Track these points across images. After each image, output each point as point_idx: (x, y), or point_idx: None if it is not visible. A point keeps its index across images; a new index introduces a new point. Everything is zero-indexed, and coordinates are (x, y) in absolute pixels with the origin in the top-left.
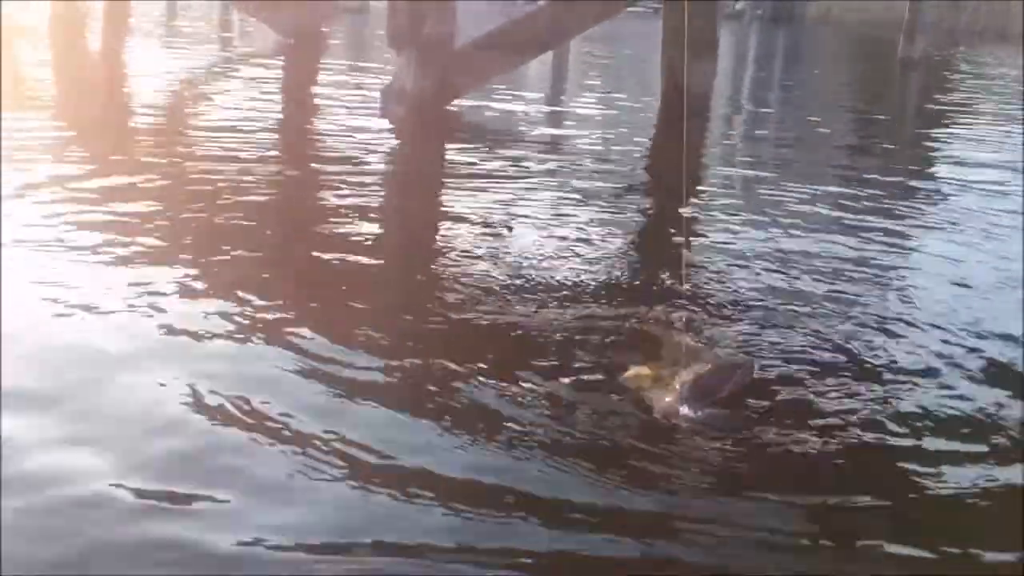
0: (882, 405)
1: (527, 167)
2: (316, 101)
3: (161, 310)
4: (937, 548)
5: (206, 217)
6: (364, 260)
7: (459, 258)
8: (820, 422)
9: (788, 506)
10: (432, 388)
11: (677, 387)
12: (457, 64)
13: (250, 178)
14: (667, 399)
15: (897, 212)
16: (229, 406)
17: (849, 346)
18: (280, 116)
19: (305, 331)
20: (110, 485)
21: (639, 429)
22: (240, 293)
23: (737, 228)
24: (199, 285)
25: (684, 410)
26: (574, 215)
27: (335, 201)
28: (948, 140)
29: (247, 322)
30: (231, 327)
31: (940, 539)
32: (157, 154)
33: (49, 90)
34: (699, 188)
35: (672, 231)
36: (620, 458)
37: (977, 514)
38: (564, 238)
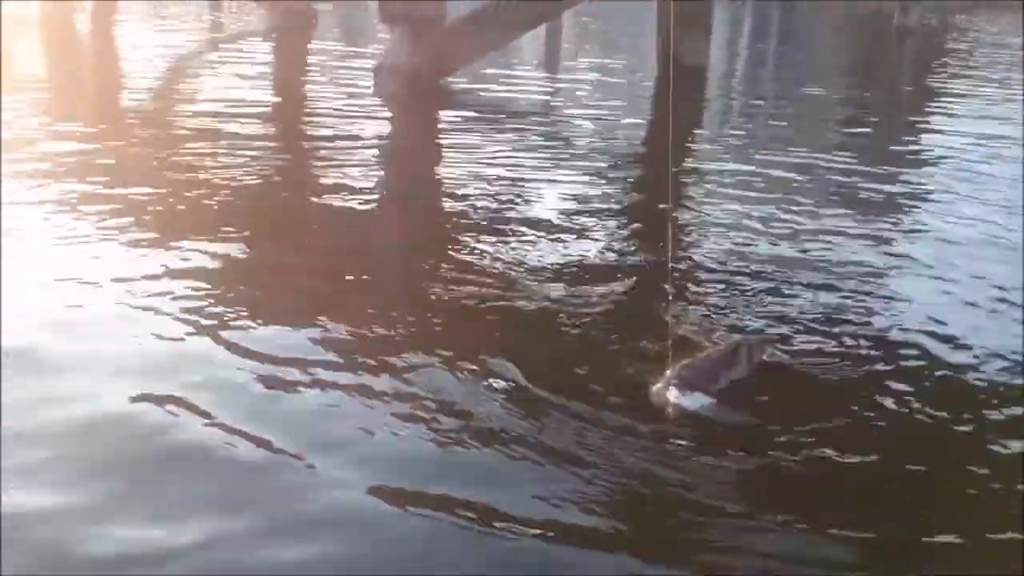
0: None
1: (522, 139)
2: (308, 79)
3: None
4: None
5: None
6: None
7: (453, 229)
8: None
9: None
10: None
11: (669, 377)
12: (450, 40)
13: (242, 155)
14: (659, 389)
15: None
16: None
17: (846, 316)
18: (272, 95)
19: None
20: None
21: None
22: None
23: (729, 199)
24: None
25: (675, 400)
26: (567, 185)
27: (328, 175)
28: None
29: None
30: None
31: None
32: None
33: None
34: (691, 166)
35: (661, 204)
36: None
37: None
38: (555, 208)
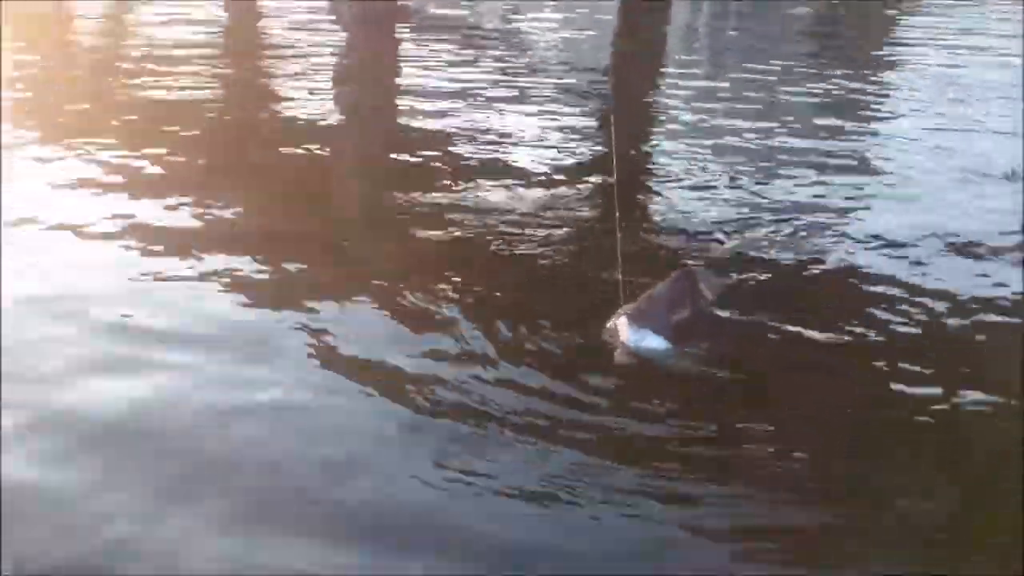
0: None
1: (482, 63)
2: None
3: None
4: None
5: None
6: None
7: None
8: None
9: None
10: None
11: (619, 319)
12: None
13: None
14: (611, 328)
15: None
16: None
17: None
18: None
19: None
20: None
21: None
22: None
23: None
24: None
25: (627, 339)
26: (523, 108)
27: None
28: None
29: None
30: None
31: None
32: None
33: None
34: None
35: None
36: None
37: None
38: (509, 133)
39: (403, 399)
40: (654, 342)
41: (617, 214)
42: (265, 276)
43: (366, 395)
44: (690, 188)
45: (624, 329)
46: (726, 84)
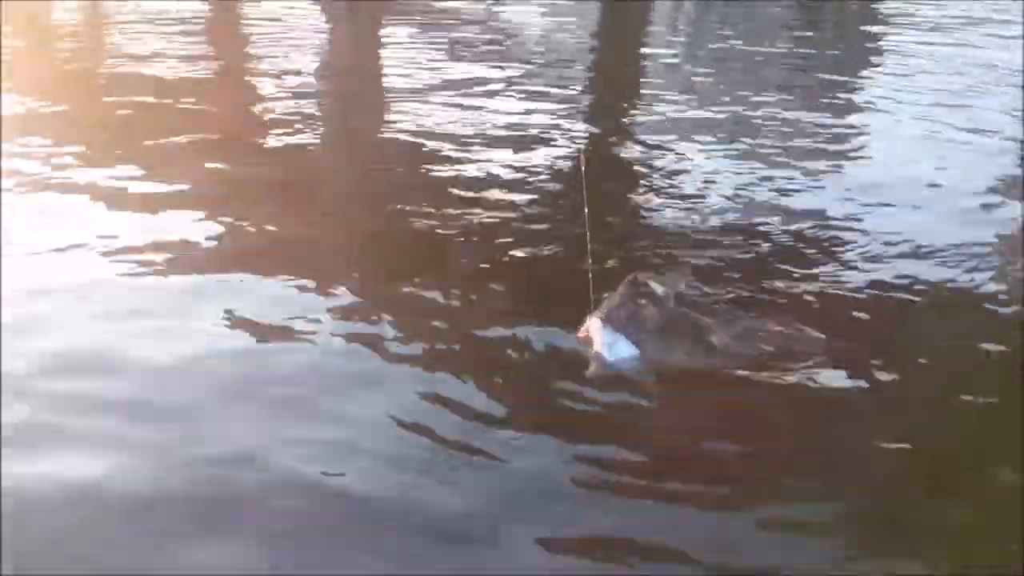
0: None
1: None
2: None
3: None
4: None
5: None
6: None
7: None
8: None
9: None
10: None
11: (589, 331)
12: None
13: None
14: (582, 335)
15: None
16: None
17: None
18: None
19: None
20: None
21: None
22: None
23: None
24: None
25: (599, 350)
26: (507, 96)
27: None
28: None
29: None
30: None
31: None
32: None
33: None
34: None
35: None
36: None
37: None
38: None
39: None
40: (622, 354)
41: (586, 210)
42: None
43: None
44: (670, 184)
45: (597, 335)
46: (713, 79)
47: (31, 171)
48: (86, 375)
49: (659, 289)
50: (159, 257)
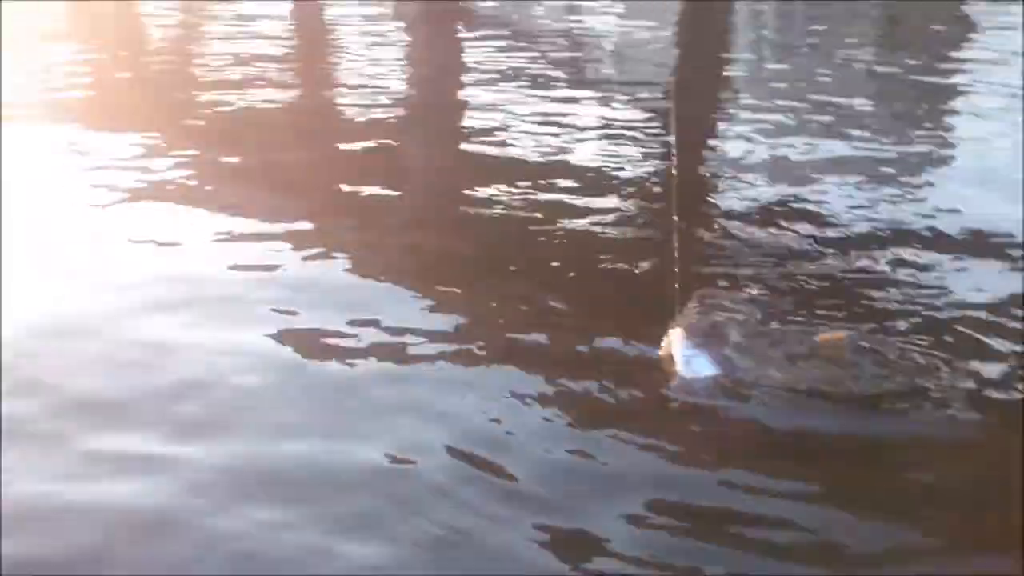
0: None
1: (544, 64)
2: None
3: None
4: None
5: None
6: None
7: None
8: None
9: None
10: None
11: (671, 344)
12: None
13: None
14: (664, 353)
15: None
16: None
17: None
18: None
19: None
20: None
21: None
22: None
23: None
24: None
25: (680, 369)
26: (586, 109)
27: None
28: None
29: None
30: None
31: None
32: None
33: None
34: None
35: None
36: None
37: None
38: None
39: None
40: (705, 366)
41: (675, 217)
42: None
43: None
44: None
45: (677, 349)
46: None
47: None
48: None
49: (740, 305)
50: None
